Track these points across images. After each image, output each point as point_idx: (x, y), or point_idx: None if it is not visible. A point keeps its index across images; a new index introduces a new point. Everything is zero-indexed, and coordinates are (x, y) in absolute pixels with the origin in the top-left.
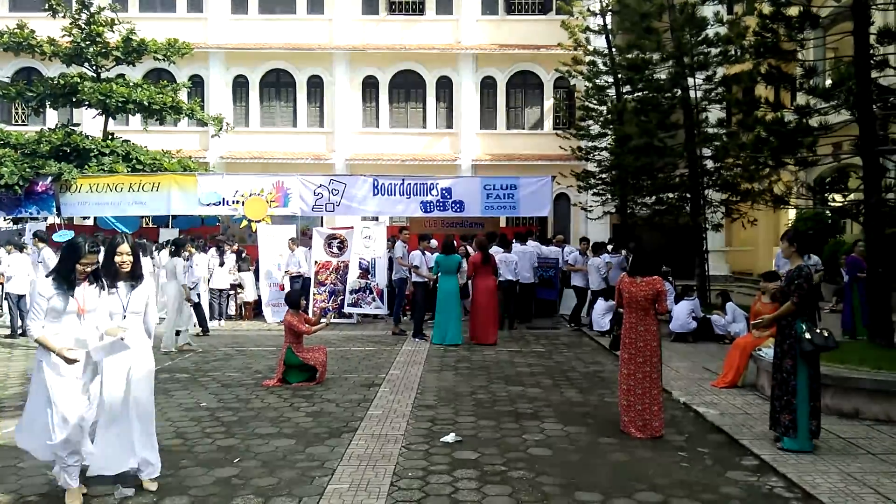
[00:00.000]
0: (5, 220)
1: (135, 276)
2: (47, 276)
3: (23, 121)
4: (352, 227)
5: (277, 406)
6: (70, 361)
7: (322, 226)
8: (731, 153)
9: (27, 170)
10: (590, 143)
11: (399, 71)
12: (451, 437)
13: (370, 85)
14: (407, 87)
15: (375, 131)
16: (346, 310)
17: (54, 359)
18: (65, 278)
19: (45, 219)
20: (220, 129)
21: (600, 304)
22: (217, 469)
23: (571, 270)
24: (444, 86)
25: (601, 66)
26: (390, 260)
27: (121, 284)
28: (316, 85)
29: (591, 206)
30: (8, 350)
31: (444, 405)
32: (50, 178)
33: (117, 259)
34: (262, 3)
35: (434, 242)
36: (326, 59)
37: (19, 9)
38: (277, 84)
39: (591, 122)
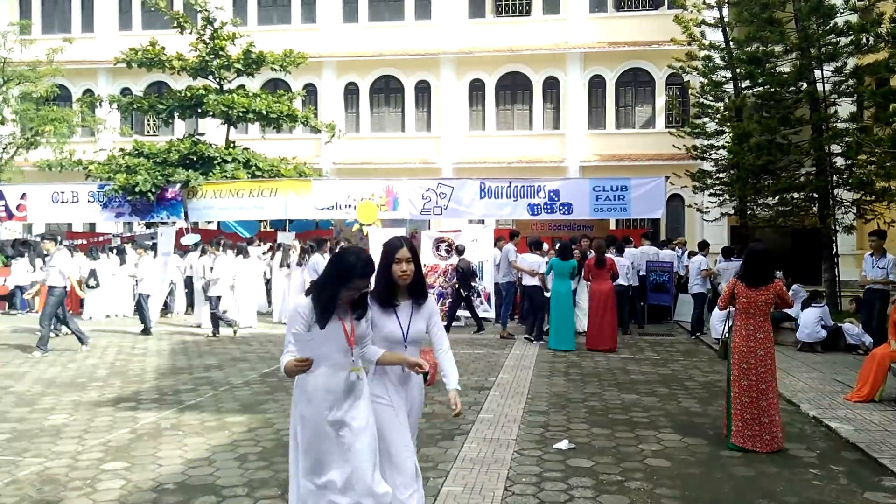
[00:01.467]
0: (139, 224)
1: (419, 291)
2: (307, 294)
3: (153, 132)
4: (460, 231)
5: None
6: (303, 365)
7: (430, 229)
8: (864, 149)
9: (159, 177)
10: (706, 142)
11: (505, 73)
12: (564, 444)
13: (477, 88)
14: (513, 88)
15: (482, 134)
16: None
17: (308, 407)
18: (324, 302)
19: (174, 223)
20: (333, 135)
21: (720, 310)
22: None
23: (704, 276)
24: (551, 86)
25: (718, 61)
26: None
27: (401, 302)
28: (423, 90)
29: (707, 208)
30: (144, 347)
31: (555, 411)
32: (179, 185)
33: (396, 269)
34: (371, 12)
35: (545, 246)
36: (434, 64)
37: (151, 27)
38: (386, 90)
39: (706, 119)
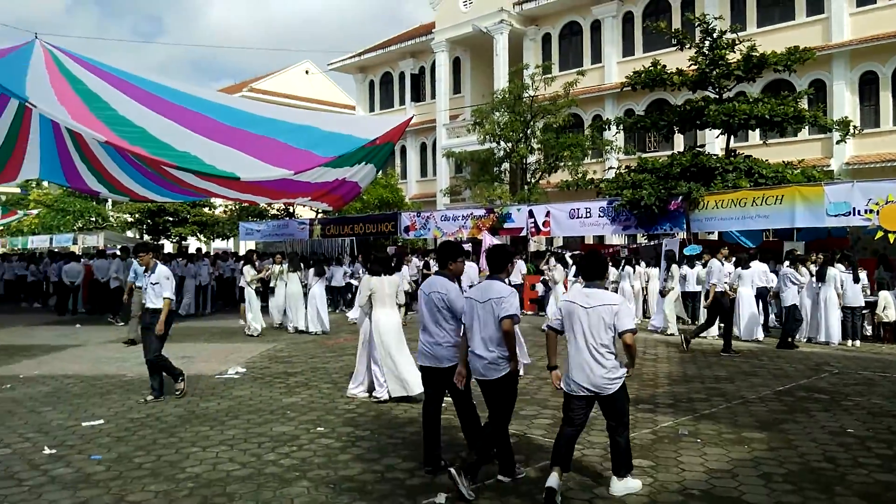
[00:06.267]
0: (642, 236)
1: None
2: None
3: (654, 148)
4: None
5: None
6: None
7: None
8: None
9: (661, 191)
10: None
11: None
12: None
13: None
14: None
15: None
16: None
17: None
18: None
19: (675, 234)
20: (847, 133)
21: None
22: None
23: None
24: None
25: None
26: None
27: None
28: None
29: None
30: (654, 353)
31: None
32: (680, 198)
33: None
34: None
35: None
36: None
37: (651, 49)
38: None
39: None
